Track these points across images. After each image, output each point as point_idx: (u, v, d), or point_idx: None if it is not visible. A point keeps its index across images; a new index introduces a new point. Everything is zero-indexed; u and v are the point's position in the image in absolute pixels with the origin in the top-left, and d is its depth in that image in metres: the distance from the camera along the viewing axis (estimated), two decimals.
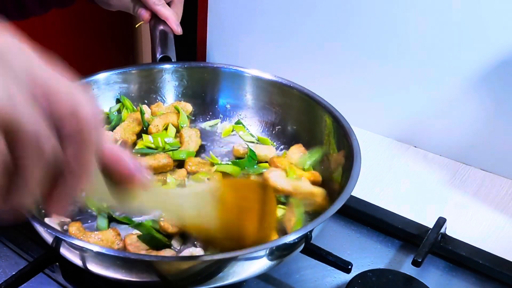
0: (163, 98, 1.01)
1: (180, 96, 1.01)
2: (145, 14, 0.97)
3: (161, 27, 0.97)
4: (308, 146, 0.93)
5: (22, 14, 0.94)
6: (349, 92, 1.14)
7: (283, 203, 0.82)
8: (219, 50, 1.31)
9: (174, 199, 0.58)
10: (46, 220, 0.78)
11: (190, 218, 0.59)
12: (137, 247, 0.73)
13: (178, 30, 0.98)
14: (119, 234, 0.74)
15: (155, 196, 0.55)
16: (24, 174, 0.39)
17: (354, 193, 0.87)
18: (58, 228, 0.77)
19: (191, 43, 1.33)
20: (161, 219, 0.75)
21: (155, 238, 0.74)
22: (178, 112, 0.97)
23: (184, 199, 0.59)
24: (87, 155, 0.42)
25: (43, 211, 0.80)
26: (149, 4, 0.95)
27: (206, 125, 1.01)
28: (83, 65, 1.43)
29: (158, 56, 0.97)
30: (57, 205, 0.43)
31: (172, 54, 0.97)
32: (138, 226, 0.76)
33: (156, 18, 0.98)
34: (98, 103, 0.41)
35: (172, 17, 0.97)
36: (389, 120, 1.13)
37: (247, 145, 0.94)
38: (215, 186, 0.61)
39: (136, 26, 1.47)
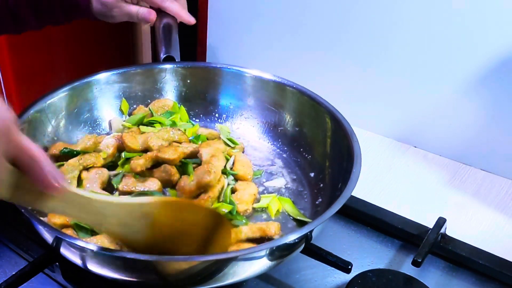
0: (165, 98, 1.01)
1: (181, 96, 1.01)
2: (149, 16, 0.94)
3: (166, 25, 0.96)
4: (309, 147, 0.93)
5: (17, 29, 0.94)
6: (349, 93, 1.14)
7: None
8: (219, 51, 1.31)
9: (93, 205, 0.58)
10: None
11: (111, 226, 0.60)
12: None
13: (191, 20, 0.97)
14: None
15: (70, 201, 0.56)
16: None
17: (354, 193, 0.87)
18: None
19: (191, 44, 1.33)
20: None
21: None
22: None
23: (107, 208, 0.59)
24: None
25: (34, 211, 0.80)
26: (156, 2, 0.94)
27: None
28: (84, 65, 1.43)
29: (162, 55, 0.96)
30: None
31: (176, 54, 0.97)
32: None
33: (159, 18, 0.97)
34: (10, 110, 0.46)
35: (182, 11, 0.96)
36: (389, 120, 1.13)
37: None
38: (150, 202, 0.61)
39: (144, 25, 1.46)
